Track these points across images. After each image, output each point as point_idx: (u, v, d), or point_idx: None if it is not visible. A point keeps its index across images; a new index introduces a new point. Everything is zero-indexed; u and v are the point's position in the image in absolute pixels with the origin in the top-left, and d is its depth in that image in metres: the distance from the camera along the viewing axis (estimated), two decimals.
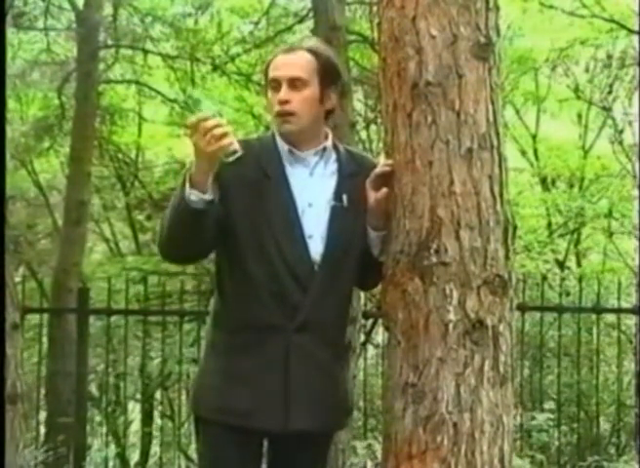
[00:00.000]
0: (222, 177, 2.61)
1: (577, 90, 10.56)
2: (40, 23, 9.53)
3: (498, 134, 2.52)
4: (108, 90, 10.31)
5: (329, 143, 2.76)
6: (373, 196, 2.63)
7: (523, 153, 10.93)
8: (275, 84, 2.70)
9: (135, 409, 9.51)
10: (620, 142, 10.38)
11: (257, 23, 9.14)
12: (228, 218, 2.64)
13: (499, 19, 2.57)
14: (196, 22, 9.87)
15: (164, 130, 10.67)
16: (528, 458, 5.95)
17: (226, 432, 2.66)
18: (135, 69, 10.23)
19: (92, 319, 6.57)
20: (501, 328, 2.47)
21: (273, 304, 2.64)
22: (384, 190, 2.57)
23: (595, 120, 10.85)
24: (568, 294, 7.49)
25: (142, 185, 10.49)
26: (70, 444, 6.44)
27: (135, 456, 9.28)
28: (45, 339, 7.47)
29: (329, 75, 2.72)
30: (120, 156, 10.86)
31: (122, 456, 8.75)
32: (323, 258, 2.67)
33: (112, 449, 8.26)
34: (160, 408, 9.17)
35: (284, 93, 2.67)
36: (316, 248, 2.67)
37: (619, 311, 6.50)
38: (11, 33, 8.55)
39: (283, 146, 2.72)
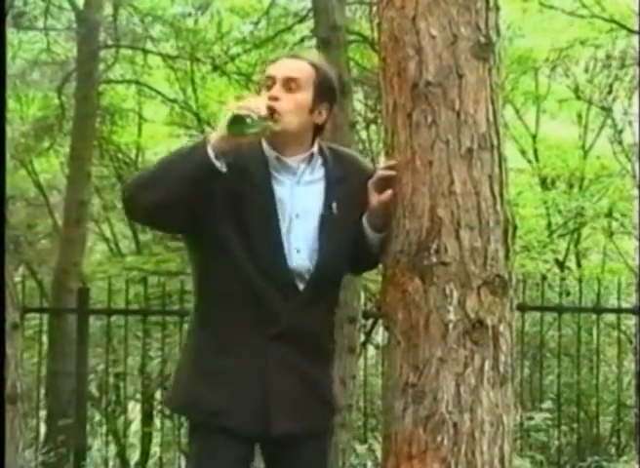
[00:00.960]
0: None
1: (576, 90, 10.57)
2: (40, 23, 9.53)
3: (498, 134, 2.52)
4: (108, 90, 10.31)
5: (315, 149, 2.73)
6: (375, 198, 2.61)
7: (523, 153, 10.92)
8: (270, 82, 2.67)
9: (135, 409, 9.51)
10: (620, 142, 10.39)
11: (257, 23, 9.14)
12: (210, 214, 2.61)
13: (499, 18, 2.57)
14: (196, 22, 9.87)
15: (164, 130, 10.67)
16: (528, 458, 5.96)
17: (214, 435, 2.64)
18: (135, 69, 10.23)
19: (92, 319, 6.59)
20: (501, 328, 2.47)
21: (249, 310, 2.61)
22: (389, 192, 2.55)
23: (595, 120, 10.85)
24: (568, 294, 7.50)
25: None
26: (70, 444, 6.45)
27: (135, 456, 9.27)
28: (45, 339, 7.48)
29: (324, 91, 2.70)
30: (120, 156, 10.85)
31: (122, 456, 8.76)
32: (311, 272, 2.64)
33: (112, 449, 8.27)
34: (160, 407, 9.16)
35: (276, 90, 2.65)
36: (301, 261, 2.63)
37: (619, 311, 6.51)
38: (11, 33, 8.54)
39: (270, 153, 2.68)
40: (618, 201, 9.84)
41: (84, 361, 6.24)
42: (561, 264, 9.93)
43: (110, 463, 7.43)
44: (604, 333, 7.13)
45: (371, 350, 8.13)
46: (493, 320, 2.46)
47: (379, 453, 5.33)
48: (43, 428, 7.46)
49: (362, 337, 6.64)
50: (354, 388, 5.07)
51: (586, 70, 10.17)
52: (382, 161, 2.66)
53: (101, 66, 9.52)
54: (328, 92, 2.72)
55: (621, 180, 10.17)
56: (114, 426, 8.59)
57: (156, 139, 10.75)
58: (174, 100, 10.06)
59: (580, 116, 10.92)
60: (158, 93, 10.08)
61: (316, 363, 2.70)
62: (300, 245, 2.64)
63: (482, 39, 2.50)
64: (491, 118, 2.50)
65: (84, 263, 9.02)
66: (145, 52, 9.77)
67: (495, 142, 2.50)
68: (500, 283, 2.47)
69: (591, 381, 6.65)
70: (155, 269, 8.98)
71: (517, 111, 10.86)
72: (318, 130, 2.74)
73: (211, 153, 2.52)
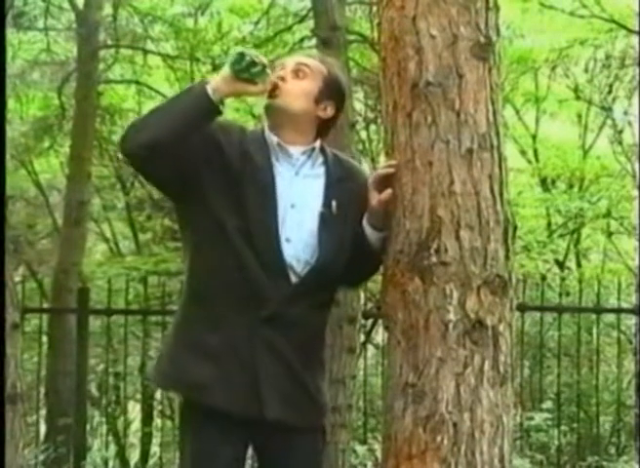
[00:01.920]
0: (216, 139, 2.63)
1: (576, 90, 10.57)
2: (40, 23, 9.54)
3: (498, 134, 2.52)
4: (108, 90, 10.31)
5: (317, 145, 2.75)
6: (375, 197, 2.60)
7: (523, 153, 10.92)
8: (281, 70, 2.72)
9: (135, 409, 9.51)
10: (620, 142, 10.39)
11: (257, 23, 9.14)
12: (208, 185, 2.62)
13: (498, 18, 2.57)
14: (196, 22, 9.87)
15: None
16: (528, 458, 5.96)
17: (207, 422, 2.63)
18: (135, 69, 10.23)
19: (92, 319, 6.58)
20: (501, 328, 2.47)
21: (239, 290, 2.61)
22: (389, 191, 2.55)
23: (595, 120, 10.85)
24: (568, 294, 7.50)
25: (142, 185, 10.48)
26: (70, 444, 6.45)
27: (135, 456, 9.26)
28: (45, 339, 7.48)
29: (332, 88, 2.74)
30: (120, 156, 10.84)
31: (122, 456, 8.75)
32: (307, 265, 2.64)
33: (112, 449, 8.26)
34: (160, 408, 9.16)
35: (285, 73, 2.71)
36: (292, 252, 2.63)
37: (619, 311, 6.52)
38: (11, 33, 8.55)
39: (271, 139, 2.70)
40: (617, 201, 9.83)
41: (84, 361, 6.24)
42: (561, 264, 9.93)
43: (110, 463, 7.42)
44: (604, 333, 7.14)
45: (371, 350, 8.14)
46: (493, 320, 2.46)
47: (379, 454, 5.34)
48: (43, 428, 7.46)
49: (362, 337, 6.64)
50: (354, 388, 5.07)
51: (586, 70, 10.18)
52: (382, 161, 2.66)
53: (101, 66, 9.53)
54: (336, 91, 2.76)
55: (621, 181, 10.17)
56: (114, 426, 8.59)
57: None
58: None
59: (579, 116, 10.92)
60: (158, 93, 10.06)
61: (303, 359, 2.68)
62: (291, 235, 2.64)
63: (482, 39, 2.50)
64: (491, 118, 2.50)
65: (84, 263, 9.02)
66: (145, 52, 9.77)
67: (495, 142, 2.50)
68: (499, 283, 2.47)
69: (591, 381, 6.66)
70: (155, 269, 8.98)
71: (517, 111, 10.86)
72: (323, 126, 2.76)
73: (209, 90, 2.56)
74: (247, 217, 2.61)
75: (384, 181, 2.58)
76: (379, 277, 2.72)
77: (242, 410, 2.61)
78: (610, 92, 10.08)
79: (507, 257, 2.50)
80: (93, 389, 8.77)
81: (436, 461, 2.41)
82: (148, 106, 10.71)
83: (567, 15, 9.21)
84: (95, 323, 7.17)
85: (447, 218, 2.46)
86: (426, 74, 2.49)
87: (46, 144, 10.11)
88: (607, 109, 10.32)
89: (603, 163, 10.40)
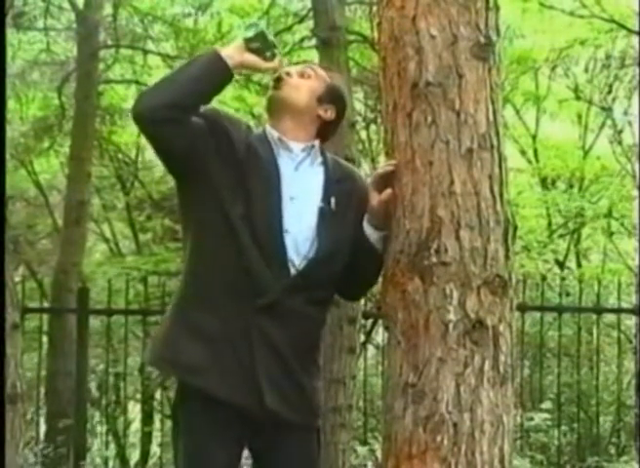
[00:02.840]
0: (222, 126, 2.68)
1: (576, 90, 10.57)
2: (40, 23, 9.53)
3: (498, 134, 2.52)
4: (108, 90, 10.31)
5: (317, 143, 2.78)
6: (376, 197, 2.61)
7: (523, 153, 10.92)
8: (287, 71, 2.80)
9: (135, 409, 9.51)
10: (620, 142, 10.38)
11: None
12: (213, 168, 2.65)
13: (498, 19, 2.57)
14: (196, 22, 9.87)
15: None
16: (528, 458, 5.96)
17: (202, 420, 2.63)
18: (135, 69, 10.23)
19: (92, 319, 6.58)
20: (501, 328, 2.47)
21: (238, 276, 2.62)
22: (389, 191, 2.55)
23: (595, 120, 10.85)
24: (568, 294, 7.50)
25: (142, 185, 10.49)
26: (70, 444, 6.45)
27: (135, 456, 9.27)
28: (45, 339, 7.48)
29: (334, 96, 2.82)
30: (120, 156, 10.85)
31: (122, 456, 8.76)
32: (305, 257, 2.65)
33: (112, 449, 8.27)
34: (160, 408, 9.16)
35: (291, 70, 2.79)
36: (291, 243, 2.65)
37: (619, 311, 6.51)
38: (11, 33, 8.54)
39: (272, 134, 2.74)
40: (617, 201, 9.83)
41: (84, 361, 6.24)
42: (561, 264, 9.93)
43: (110, 463, 7.43)
44: (604, 333, 7.14)
45: (371, 350, 8.14)
46: (493, 320, 2.46)
47: (379, 454, 5.33)
48: (43, 428, 7.46)
49: (362, 337, 6.63)
50: (354, 388, 5.07)
51: (586, 70, 10.17)
52: (382, 161, 2.67)
53: (101, 66, 9.53)
54: (337, 97, 2.83)
55: (621, 181, 10.17)
56: (114, 426, 8.60)
57: None
58: None
59: (579, 116, 10.92)
60: None
61: (301, 359, 2.69)
62: (290, 227, 2.66)
63: (482, 39, 2.50)
64: (491, 118, 2.50)
65: (84, 263, 9.03)
66: (145, 52, 9.77)
67: (495, 142, 2.50)
68: (499, 283, 2.47)
69: (591, 381, 6.66)
70: (155, 269, 8.98)
71: (517, 111, 10.86)
72: (322, 128, 2.79)
73: (222, 53, 2.64)
74: (250, 206, 2.63)
75: (384, 181, 2.58)
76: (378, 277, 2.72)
77: (241, 400, 2.61)
78: (610, 92, 10.08)
79: (507, 257, 2.50)
80: (93, 389, 8.78)
81: (436, 461, 2.41)
82: None
83: (567, 15, 9.21)
84: (95, 323, 7.17)
85: (447, 218, 2.46)
86: (426, 74, 2.49)
87: (46, 144, 10.10)
88: (607, 109, 10.31)
89: (603, 163, 10.40)
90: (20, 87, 9.69)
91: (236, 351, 2.61)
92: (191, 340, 2.63)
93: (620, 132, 10.42)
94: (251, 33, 2.66)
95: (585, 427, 6.65)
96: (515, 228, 2.56)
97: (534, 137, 10.91)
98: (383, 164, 2.64)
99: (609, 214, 9.83)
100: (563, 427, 6.35)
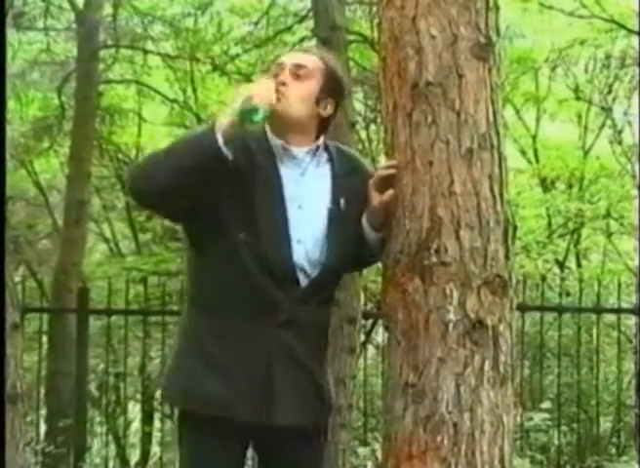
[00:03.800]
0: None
1: (576, 90, 10.57)
2: (40, 23, 9.54)
3: (498, 134, 2.51)
4: (108, 90, 10.32)
5: (320, 143, 2.75)
6: (377, 198, 2.59)
7: (523, 153, 10.92)
8: (279, 69, 2.70)
9: (135, 409, 9.51)
10: (620, 143, 10.38)
11: (256, 23, 9.13)
12: (214, 196, 2.59)
13: (499, 19, 2.57)
14: (196, 22, 9.87)
15: (164, 130, 10.67)
16: (528, 458, 5.96)
17: (207, 428, 2.62)
18: (135, 69, 10.23)
19: (92, 319, 6.59)
20: (501, 328, 2.47)
21: (247, 299, 2.60)
22: (391, 192, 2.53)
23: (595, 120, 10.85)
24: (568, 295, 7.50)
25: None
26: (70, 444, 6.45)
27: (135, 456, 9.27)
28: (45, 339, 7.48)
29: (332, 85, 2.73)
30: (120, 156, 10.86)
31: (122, 456, 8.76)
32: (316, 264, 2.64)
33: (112, 449, 8.27)
34: (160, 408, 9.16)
35: (284, 76, 2.68)
36: (304, 253, 2.63)
37: (619, 311, 6.51)
38: (11, 33, 8.54)
39: (276, 142, 2.69)
40: (617, 201, 9.83)
41: (84, 361, 6.24)
42: (561, 264, 9.93)
43: (110, 463, 7.43)
44: (604, 333, 7.14)
45: (371, 350, 8.14)
46: (493, 320, 2.45)
47: (379, 454, 5.33)
48: (43, 428, 7.46)
49: (362, 337, 6.64)
50: (354, 388, 5.07)
51: (586, 70, 10.18)
52: (382, 161, 2.66)
53: (101, 66, 9.53)
54: (335, 86, 2.75)
55: (621, 181, 10.16)
56: (114, 426, 8.60)
57: (156, 140, 10.73)
58: (173, 101, 10.07)
59: (579, 116, 10.92)
60: (158, 93, 10.07)
61: (315, 358, 2.71)
62: (302, 236, 2.64)
63: (482, 39, 2.50)
64: (491, 118, 2.50)
65: (84, 263, 9.03)
66: (145, 52, 9.77)
67: (495, 142, 2.50)
68: (499, 283, 2.47)
69: (591, 381, 6.65)
70: (155, 269, 8.99)
71: (517, 111, 10.86)
72: (323, 124, 2.76)
73: (220, 140, 2.53)
74: (255, 222, 2.60)
75: (385, 182, 2.57)
76: (379, 277, 2.72)
77: (252, 418, 2.61)
78: (610, 92, 10.08)
79: (507, 257, 2.50)
80: (93, 389, 8.77)
81: (436, 461, 2.41)
82: (148, 106, 10.75)
83: (567, 15, 9.21)
84: (95, 323, 7.17)
85: (447, 218, 2.46)
86: (426, 74, 2.49)
87: (46, 144, 10.10)
88: (607, 109, 10.31)
89: (603, 163, 10.39)
90: (20, 87, 9.69)
91: (252, 374, 2.60)
92: (208, 374, 2.61)
93: (620, 132, 10.42)
94: (251, 118, 2.55)
95: (585, 427, 6.65)
96: (515, 228, 2.56)
97: (534, 138, 10.91)
98: (384, 164, 2.63)
99: (608, 215, 9.83)
100: (563, 427, 6.35)
